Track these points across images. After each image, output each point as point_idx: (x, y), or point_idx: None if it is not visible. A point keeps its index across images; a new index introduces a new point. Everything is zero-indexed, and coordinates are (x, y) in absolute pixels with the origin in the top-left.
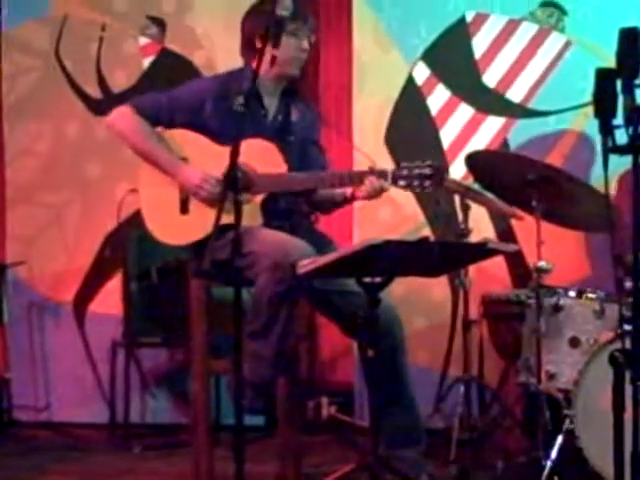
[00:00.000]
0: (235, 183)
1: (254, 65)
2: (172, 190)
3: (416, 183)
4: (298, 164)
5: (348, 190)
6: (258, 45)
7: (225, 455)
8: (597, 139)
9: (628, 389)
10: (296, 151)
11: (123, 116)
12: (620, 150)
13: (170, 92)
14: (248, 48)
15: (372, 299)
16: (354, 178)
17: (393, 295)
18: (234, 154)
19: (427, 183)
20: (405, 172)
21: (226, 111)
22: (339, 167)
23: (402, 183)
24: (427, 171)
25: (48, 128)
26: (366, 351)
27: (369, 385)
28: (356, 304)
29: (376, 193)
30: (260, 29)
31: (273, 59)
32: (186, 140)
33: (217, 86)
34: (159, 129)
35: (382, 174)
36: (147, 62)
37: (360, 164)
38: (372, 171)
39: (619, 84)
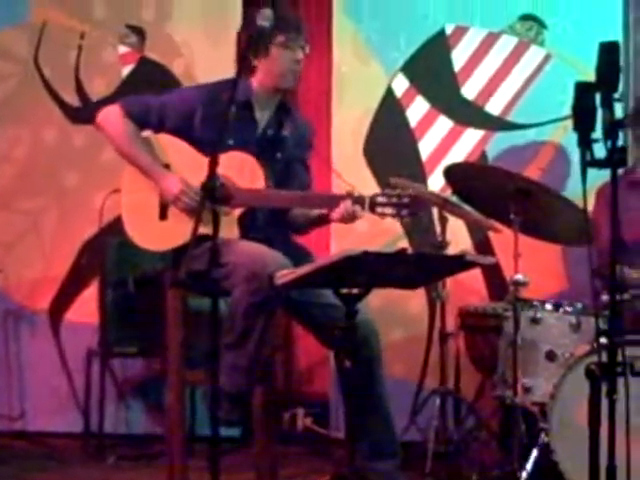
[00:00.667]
0: (213, 193)
1: (249, 77)
2: (153, 195)
3: (393, 212)
4: (279, 180)
5: (324, 210)
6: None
7: (200, 466)
8: (574, 152)
9: (604, 402)
10: (280, 167)
11: (110, 116)
12: (598, 164)
13: (161, 97)
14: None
15: (349, 310)
16: (331, 201)
17: (370, 307)
18: (212, 164)
19: (404, 212)
20: (382, 199)
21: (214, 120)
22: (317, 189)
23: (379, 210)
24: (405, 200)
25: (25, 135)
26: (343, 362)
27: (345, 396)
28: (333, 315)
29: (350, 218)
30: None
31: (253, 69)
32: (171, 146)
33: (208, 94)
34: (147, 132)
35: (359, 200)
36: (126, 71)
37: (338, 186)
38: (349, 196)
39: (598, 98)
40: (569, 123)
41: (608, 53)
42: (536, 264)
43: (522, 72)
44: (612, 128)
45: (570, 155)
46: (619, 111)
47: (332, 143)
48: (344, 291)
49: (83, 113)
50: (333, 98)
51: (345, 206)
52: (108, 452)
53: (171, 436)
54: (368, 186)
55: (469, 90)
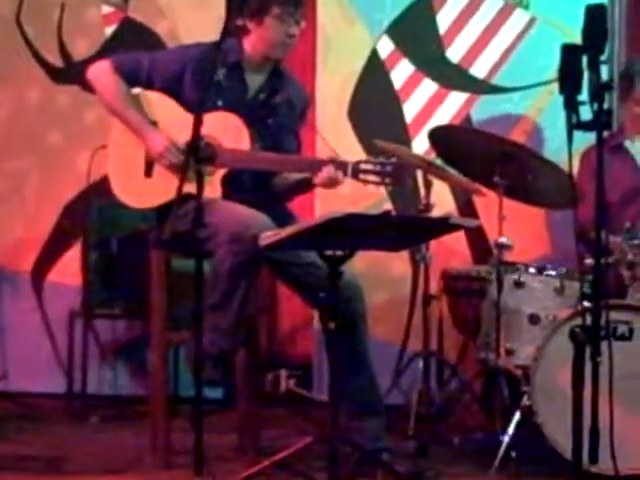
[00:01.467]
0: (197, 153)
1: (242, 38)
2: (139, 152)
3: (376, 179)
4: (268, 147)
5: (306, 175)
6: (239, 21)
7: (183, 427)
8: (558, 116)
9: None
10: (269, 134)
11: (100, 72)
12: (585, 126)
13: (153, 55)
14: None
15: (334, 272)
16: (314, 165)
17: (354, 269)
18: (197, 123)
19: (387, 180)
20: (366, 166)
21: (203, 80)
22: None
23: (362, 177)
24: (388, 168)
25: (8, 95)
26: (327, 323)
27: (329, 357)
28: (317, 275)
29: (331, 183)
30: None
31: (247, 31)
32: (160, 104)
33: (199, 55)
34: (136, 90)
35: (342, 165)
36: (109, 31)
37: (322, 151)
38: (332, 161)
39: (584, 60)
40: (554, 87)
41: (595, 16)
42: (520, 227)
43: (507, 35)
44: (598, 91)
45: (549, 121)
46: (605, 74)
47: (316, 106)
48: (328, 253)
49: (66, 73)
50: (317, 61)
51: (328, 171)
52: (91, 413)
53: (154, 397)
54: (352, 149)
55: (454, 53)
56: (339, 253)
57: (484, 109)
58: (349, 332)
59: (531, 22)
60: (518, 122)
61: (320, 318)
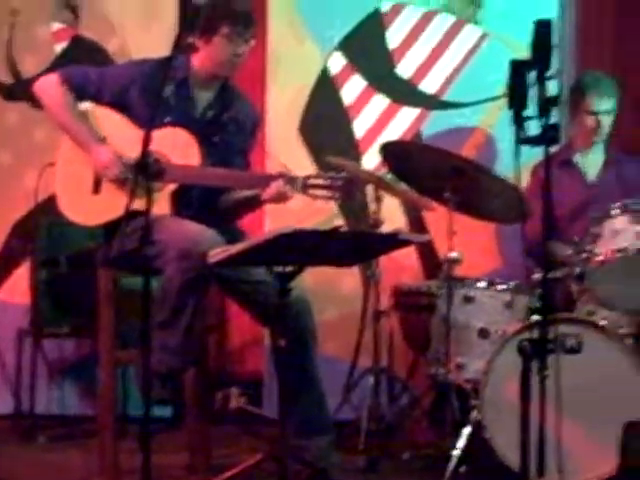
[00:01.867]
0: (145, 169)
1: (190, 54)
2: (87, 168)
3: (326, 194)
4: (216, 164)
5: (255, 191)
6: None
7: (132, 447)
8: (507, 131)
9: (535, 379)
10: (217, 152)
11: (48, 85)
12: (531, 141)
13: (102, 69)
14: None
15: (283, 288)
16: (263, 180)
17: (304, 285)
18: (146, 140)
19: (337, 195)
20: (316, 181)
21: (151, 96)
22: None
23: (311, 192)
24: (338, 183)
25: None
26: (278, 340)
27: (279, 373)
28: (266, 292)
29: (280, 198)
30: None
31: (195, 48)
32: (108, 120)
33: (147, 70)
34: (87, 104)
35: (291, 180)
36: (59, 48)
37: (273, 167)
38: (282, 176)
39: (531, 76)
40: (503, 102)
41: (542, 31)
42: (470, 242)
43: (458, 51)
44: (545, 106)
45: (501, 135)
46: (554, 89)
47: (267, 122)
48: (278, 269)
49: (16, 90)
50: (267, 77)
51: (277, 186)
52: (39, 433)
53: (102, 416)
54: (304, 165)
55: (405, 69)
56: (289, 269)
57: (436, 124)
58: (298, 348)
59: (482, 38)
60: (470, 135)
61: (270, 336)
